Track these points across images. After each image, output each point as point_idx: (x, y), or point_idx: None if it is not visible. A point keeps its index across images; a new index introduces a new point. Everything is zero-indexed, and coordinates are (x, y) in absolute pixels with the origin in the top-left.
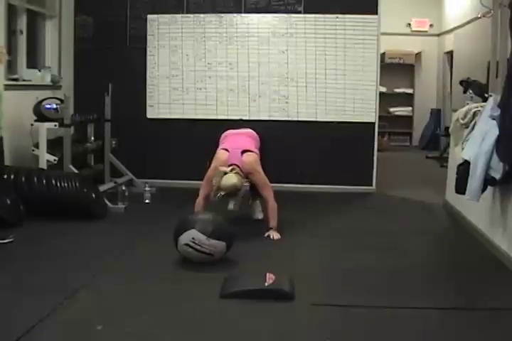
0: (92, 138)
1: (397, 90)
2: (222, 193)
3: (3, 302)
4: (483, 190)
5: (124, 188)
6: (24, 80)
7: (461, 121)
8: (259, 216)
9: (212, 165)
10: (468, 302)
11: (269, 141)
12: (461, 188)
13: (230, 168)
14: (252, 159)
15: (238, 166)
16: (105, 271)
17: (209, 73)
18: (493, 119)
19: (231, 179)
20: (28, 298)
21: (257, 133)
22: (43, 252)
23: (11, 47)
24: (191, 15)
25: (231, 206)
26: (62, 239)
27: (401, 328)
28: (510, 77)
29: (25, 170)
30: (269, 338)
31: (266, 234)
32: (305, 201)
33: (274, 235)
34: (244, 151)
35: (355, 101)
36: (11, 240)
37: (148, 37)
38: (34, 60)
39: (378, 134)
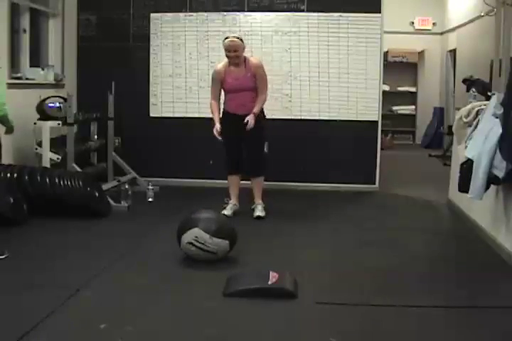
0: (95, 136)
1: (400, 89)
2: (228, 42)
3: (4, 301)
4: (486, 188)
5: (127, 187)
6: (27, 79)
7: (465, 120)
8: (260, 213)
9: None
10: (470, 301)
11: (271, 139)
12: (464, 187)
13: None
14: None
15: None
16: (107, 269)
17: (212, 72)
18: (497, 118)
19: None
20: (30, 297)
21: None
22: (45, 251)
23: (14, 46)
24: (194, 14)
25: (225, 212)
26: (65, 237)
27: (404, 326)
28: None
29: (29, 169)
30: (273, 337)
31: (246, 119)
32: (307, 199)
33: (251, 119)
34: None
35: (358, 100)
36: (6, 256)
37: (152, 35)
38: (37, 59)
39: (381, 133)
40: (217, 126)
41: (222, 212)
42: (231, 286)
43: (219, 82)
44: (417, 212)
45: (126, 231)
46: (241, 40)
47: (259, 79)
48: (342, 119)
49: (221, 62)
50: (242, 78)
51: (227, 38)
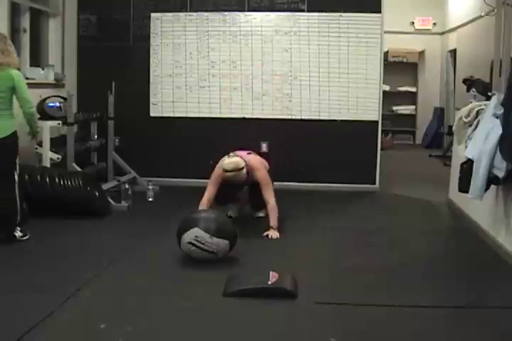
0: (96, 136)
1: (400, 89)
2: (227, 174)
3: (4, 301)
4: (487, 188)
5: (127, 186)
6: (27, 78)
7: (465, 120)
8: (261, 214)
9: (217, 165)
10: (470, 301)
11: (272, 139)
12: (464, 187)
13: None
14: (257, 158)
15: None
16: (107, 269)
17: (212, 71)
18: (497, 118)
19: (233, 158)
20: (30, 297)
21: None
22: (45, 251)
23: (14, 46)
24: (194, 14)
25: (230, 213)
26: (65, 237)
27: (404, 327)
28: None
29: (29, 169)
30: (273, 337)
31: (265, 234)
32: (307, 199)
33: (273, 234)
34: (250, 154)
35: (359, 100)
36: (28, 238)
37: (152, 35)
38: (37, 59)
39: (382, 133)
40: None
41: (228, 214)
42: (231, 286)
43: (218, 183)
44: (417, 212)
45: (126, 231)
46: (241, 168)
47: (259, 180)
48: (342, 119)
49: (221, 163)
50: (241, 181)
51: (226, 170)
